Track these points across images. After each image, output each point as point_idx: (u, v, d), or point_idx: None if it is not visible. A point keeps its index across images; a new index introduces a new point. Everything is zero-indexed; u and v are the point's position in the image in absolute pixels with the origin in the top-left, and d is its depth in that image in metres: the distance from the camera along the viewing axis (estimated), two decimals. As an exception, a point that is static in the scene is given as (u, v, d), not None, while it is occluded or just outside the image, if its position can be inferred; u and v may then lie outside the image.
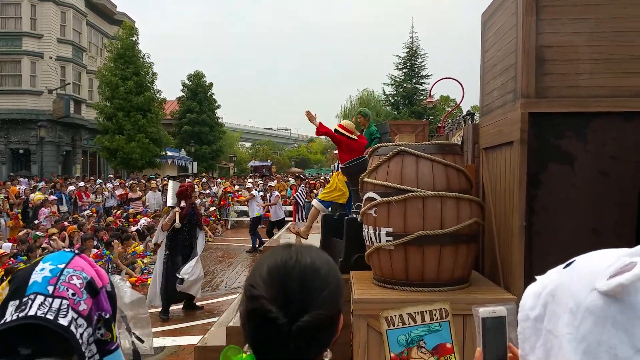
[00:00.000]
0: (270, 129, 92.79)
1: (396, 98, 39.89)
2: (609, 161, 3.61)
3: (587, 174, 3.62)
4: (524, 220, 3.63)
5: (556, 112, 3.67)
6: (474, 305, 1.20)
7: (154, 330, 7.23)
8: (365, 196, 4.01)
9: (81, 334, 1.28)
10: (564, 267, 0.92)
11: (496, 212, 4.19)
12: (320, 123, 6.63)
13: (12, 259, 9.29)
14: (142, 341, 2.10)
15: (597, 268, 0.85)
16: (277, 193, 16.05)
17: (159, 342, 6.75)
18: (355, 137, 6.76)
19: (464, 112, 9.09)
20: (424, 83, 39.37)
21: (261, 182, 20.15)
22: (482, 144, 4.66)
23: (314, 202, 6.90)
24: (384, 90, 40.96)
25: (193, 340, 6.60)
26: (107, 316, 1.39)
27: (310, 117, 6.63)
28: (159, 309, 7.87)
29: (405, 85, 39.45)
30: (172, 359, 6.20)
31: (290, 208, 18.34)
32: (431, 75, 39.74)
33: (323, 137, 7.44)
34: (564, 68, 3.69)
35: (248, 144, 72.77)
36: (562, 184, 3.65)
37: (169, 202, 8.15)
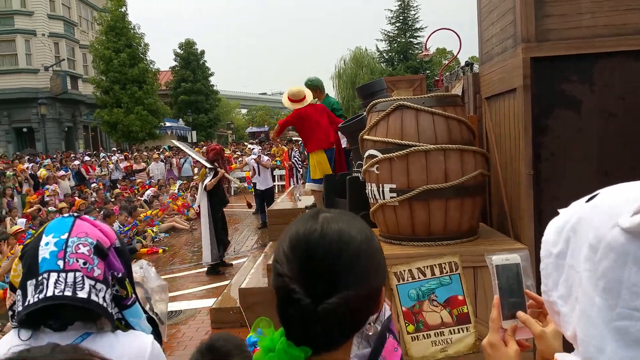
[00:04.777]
0: (265, 94, 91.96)
1: (390, 54, 39.33)
2: (618, 102, 3.52)
3: (594, 117, 3.54)
4: (531, 168, 3.57)
5: (559, 56, 3.56)
6: (486, 253, 1.17)
7: (169, 295, 7.44)
8: (366, 154, 3.95)
9: (103, 297, 1.30)
10: (587, 201, 0.89)
11: (502, 161, 4.12)
12: (277, 129, 6.82)
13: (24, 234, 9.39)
14: (162, 323, 2.15)
15: (619, 202, 0.81)
16: (266, 158, 13.46)
17: (175, 306, 6.90)
18: (305, 103, 6.53)
19: (462, 63, 8.93)
20: (419, 36, 38.80)
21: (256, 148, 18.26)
22: (483, 93, 4.56)
23: (309, 185, 6.79)
24: (377, 47, 40.35)
25: (208, 303, 6.73)
26: (120, 275, 1.39)
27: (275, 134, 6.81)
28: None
29: (399, 39, 38.84)
30: (190, 321, 6.34)
31: (282, 172, 18.13)
32: (425, 27, 39.15)
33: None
34: (565, 9, 3.55)
35: (244, 110, 72.26)
36: (569, 128, 3.57)
37: (207, 164, 8.38)
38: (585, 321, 0.81)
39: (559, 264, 0.90)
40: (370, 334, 1.04)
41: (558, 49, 3.54)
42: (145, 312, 1.55)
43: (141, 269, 2.16)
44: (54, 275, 1.26)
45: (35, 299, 1.24)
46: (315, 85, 7.05)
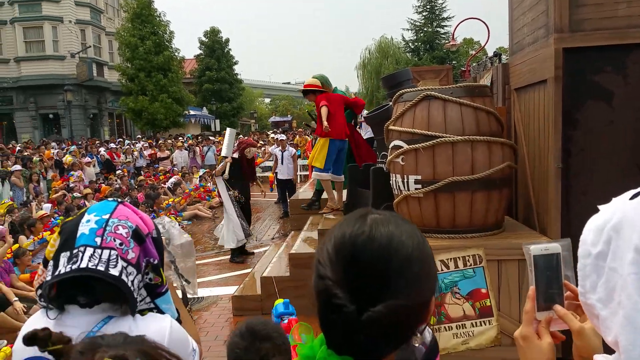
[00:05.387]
0: (288, 83, 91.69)
1: (416, 44, 38.90)
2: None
3: (627, 109, 3.45)
4: (560, 161, 3.50)
5: (592, 46, 3.47)
6: (524, 243, 1.12)
7: (189, 283, 7.53)
8: (391, 144, 3.91)
9: (132, 281, 1.31)
10: (631, 198, 0.83)
11: (530, 154, 4.05)
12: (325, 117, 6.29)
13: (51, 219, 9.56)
14: (188, 282, 2.16)
15: None
16: (293, 150, 13.19)
17: (197, 293, 6.92)
18: (327, 90, 6.50)
19: (490, 54, 8.78)
20: (446, 26, 38.29)
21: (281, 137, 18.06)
22: (513, 84, 4.48)
23: (315, 174, 6.65)
24: (403, 36, 39.94)
25: (229, 290, 6.76)
26: (155, 262, 1.41)
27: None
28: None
29: (425, 29, 38.40)
30: (212, 308, 6.40)
31: (305, 162, 18.11)
32: (453, 17, 38.55)
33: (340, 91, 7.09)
34: (600, -2, 3.46)
35: (267, 100, 72.33)
36: (600, 121, 3.49)
37: (223, 152, 8.58)
38: (629, 327, 0.77)
39: (599, 265, 0.84)
40: (417, 345, 0.98)
41: (592, 40, 3.45)
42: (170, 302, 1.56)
43: (164, 229, 2.10)
44: (89, 250, 1.29)
45: (68, 269, 1.26)
46: (320, 83, 6.99)
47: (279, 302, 2.13)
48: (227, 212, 8.32)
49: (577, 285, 1.02)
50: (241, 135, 21.04)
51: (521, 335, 1.09)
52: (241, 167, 8.52)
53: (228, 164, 8.35)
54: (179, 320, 1.52)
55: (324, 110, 6.20)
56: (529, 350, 1.07)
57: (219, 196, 8.64)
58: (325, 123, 6.10)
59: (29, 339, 0.88)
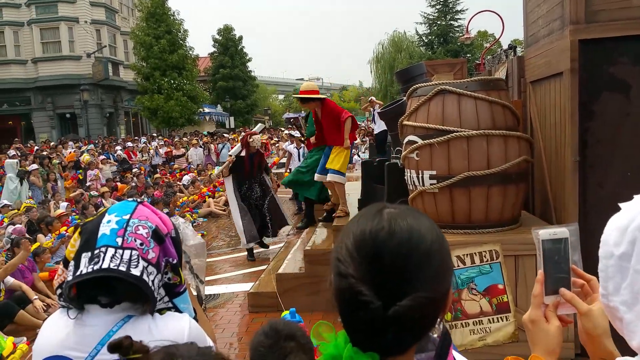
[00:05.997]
0: (302, 79, 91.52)
1: (430, 37, 38.65)
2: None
3: (646, 101, 3.39)
4: (577, 154, 3.46)
5: (608, 37, 3.42)
6: (533, 227, 1.12)
7: (206, 279, 7.51)
8: (406, 140, 3.90)
9: (152, 281, 1.32)
10: None
11: (546, 148, 4.01)
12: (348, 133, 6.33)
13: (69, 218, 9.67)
14: (202, 282, 2.18)
15: None
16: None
17: (213, 289, 6.96)
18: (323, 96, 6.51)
19: (505, 47, 8.69)
20: (459, 19, 37.98)
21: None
22: (528, 77, 4.43)
23: (330, 176, 6.40)
24: (416, 30, 39.72)
25: (245, 287, 6.77)
26: (174, 261, 1.42)
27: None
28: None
29: (439, 22, 38.13)
30: (227, 305, 6.42)
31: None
32: (467, 9, 38.21)
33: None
34: (616, -12, 3.41)
35: (281, 96, 72.37)
36: (617, 113, 3.44)
37: (231, 151, 8.54)
38: None
39: (622, 266, 0.82)
40: (436, 335, 0.99)
41: (608, 31, 3.40)
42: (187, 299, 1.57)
43: (179, 229, 2.13)
44: (111, 250, 1.30)
45: (89, 270, 1.27)
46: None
47: (285, 313, 2.14)
48: (231, 213, 8.20)
49: (584, 269, 1.00)
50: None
51: (529, 318, 1.09)
52: (244, 165, 8.16)
53: (228, 163, 8.25)
54: (195, 319, 1.53)
55: (349, 124, 6.20)
56: (537, 334, 1.07)
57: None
58: (347, 142, 6.15)
59: (114, 347, 0.92)
